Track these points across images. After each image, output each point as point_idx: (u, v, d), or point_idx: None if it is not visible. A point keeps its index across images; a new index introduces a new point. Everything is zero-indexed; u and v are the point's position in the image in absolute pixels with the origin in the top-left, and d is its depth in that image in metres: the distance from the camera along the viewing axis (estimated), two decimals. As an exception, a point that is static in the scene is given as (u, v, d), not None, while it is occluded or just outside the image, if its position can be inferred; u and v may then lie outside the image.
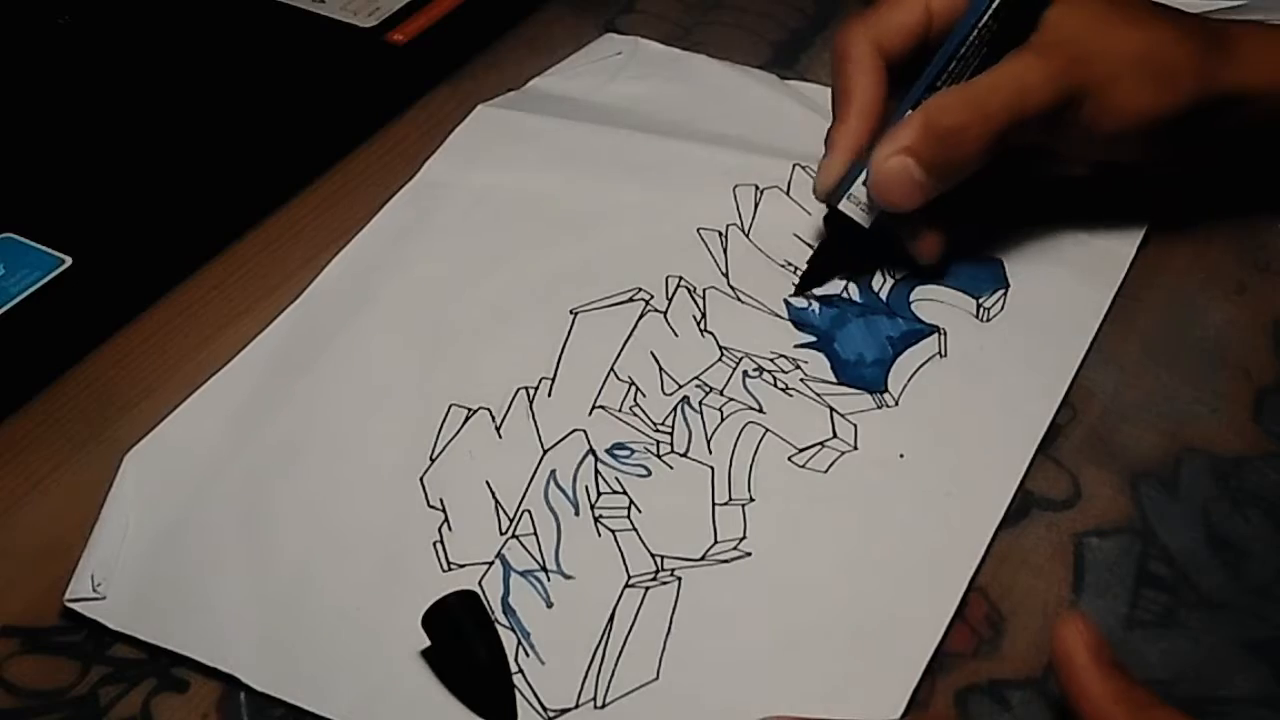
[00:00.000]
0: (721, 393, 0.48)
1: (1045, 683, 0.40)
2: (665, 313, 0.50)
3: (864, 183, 0.48)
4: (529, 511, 0.44)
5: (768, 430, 0.46)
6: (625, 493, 0.45)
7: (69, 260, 0.53)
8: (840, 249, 0.50)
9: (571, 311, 0.50)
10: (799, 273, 0.51)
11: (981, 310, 0.50)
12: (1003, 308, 0.50)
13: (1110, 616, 0.41)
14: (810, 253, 0.52)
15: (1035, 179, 0.53)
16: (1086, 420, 0.47)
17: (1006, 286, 0.50)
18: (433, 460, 0.46)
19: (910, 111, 0.48)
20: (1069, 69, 0.46)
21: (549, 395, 0.48)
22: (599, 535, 0.44)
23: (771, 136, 0.57)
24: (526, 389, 0.48)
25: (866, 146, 0.48)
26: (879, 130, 0.48)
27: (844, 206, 0.49)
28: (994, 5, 0.48)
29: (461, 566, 0.43)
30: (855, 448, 0.46)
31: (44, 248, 0.53)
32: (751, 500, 0.44)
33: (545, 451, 0.46)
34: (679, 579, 0.42)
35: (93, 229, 0.54)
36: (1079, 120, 0.47)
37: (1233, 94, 0.48)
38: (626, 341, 0.49)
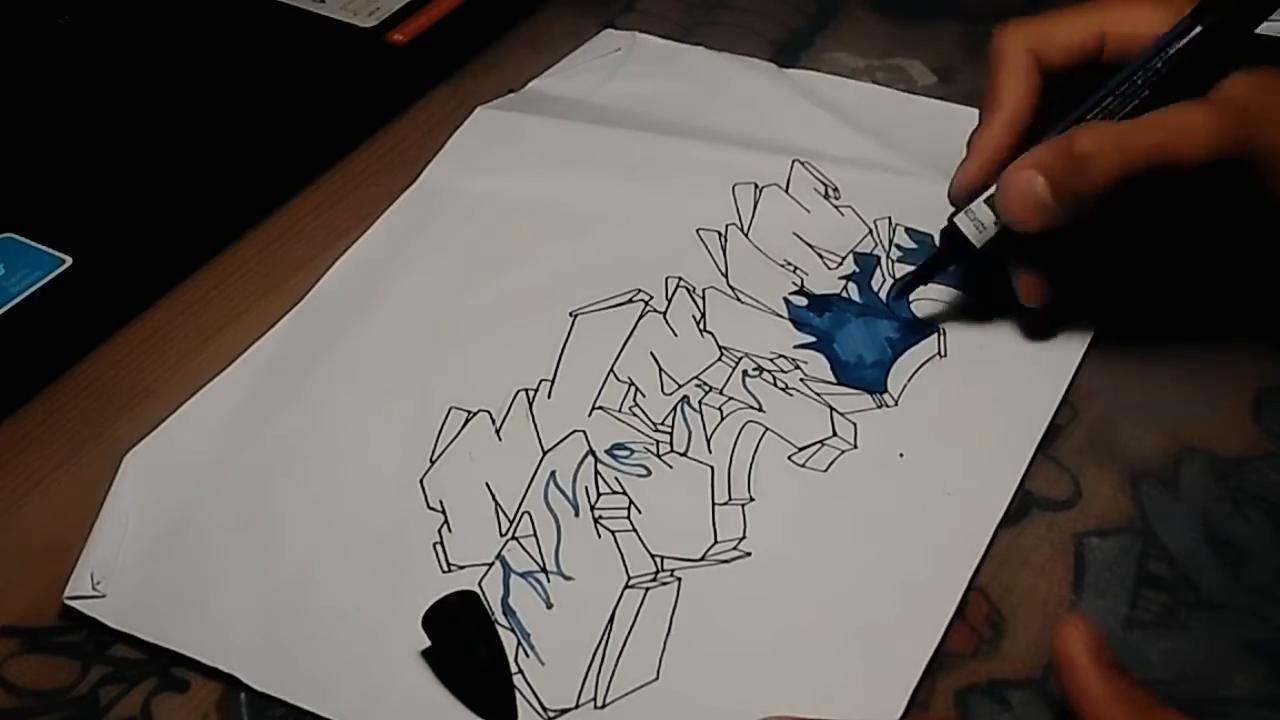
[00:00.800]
0: (721, 392, 0.48)
1: (1045, 683, 0.40)
2: (665, 313, 0.50)
3: (986, 200, 0.46)
4: (529, 513, 0.44)
5: (767, 429, 0.46)
6: (625, 493, 0.45)
7: (69, 260, 0.53)
8: (948, 262, 0.49)
9: (571, 313, 0.50)
10: (798, 271, 0.51)
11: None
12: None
13: (1110, 616, 0.41)
14: (809, 251, 0.51)
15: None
16: (1086, 420, 0.47)
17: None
18: (433, 462, 0.46)
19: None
20: (1236, 129, 0.43)
21: (549, 397, 0.48)
22: (599, 536, 0.44)
23: (771, 131, 0.57)
24: (526, 391, 0.48)
25: (1006, 158, 0.46)
26: (1023, 144, 0.46)
27: (959, 221, 0.47)
28: (1171, 49, 0.44)
29: (461, 568, 0.43)
30: (855, 447, 0.46)
31: (44, 248, 0.53)
32: (751, 500, 0.44)
33: (545, 453, 0.46)
34: (679, 579, 0.42)
35: (93, 229, 0.54)
36: (1241, 188, 0.44)
37: None
38: (626, 342, 0.49)
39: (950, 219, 0.47)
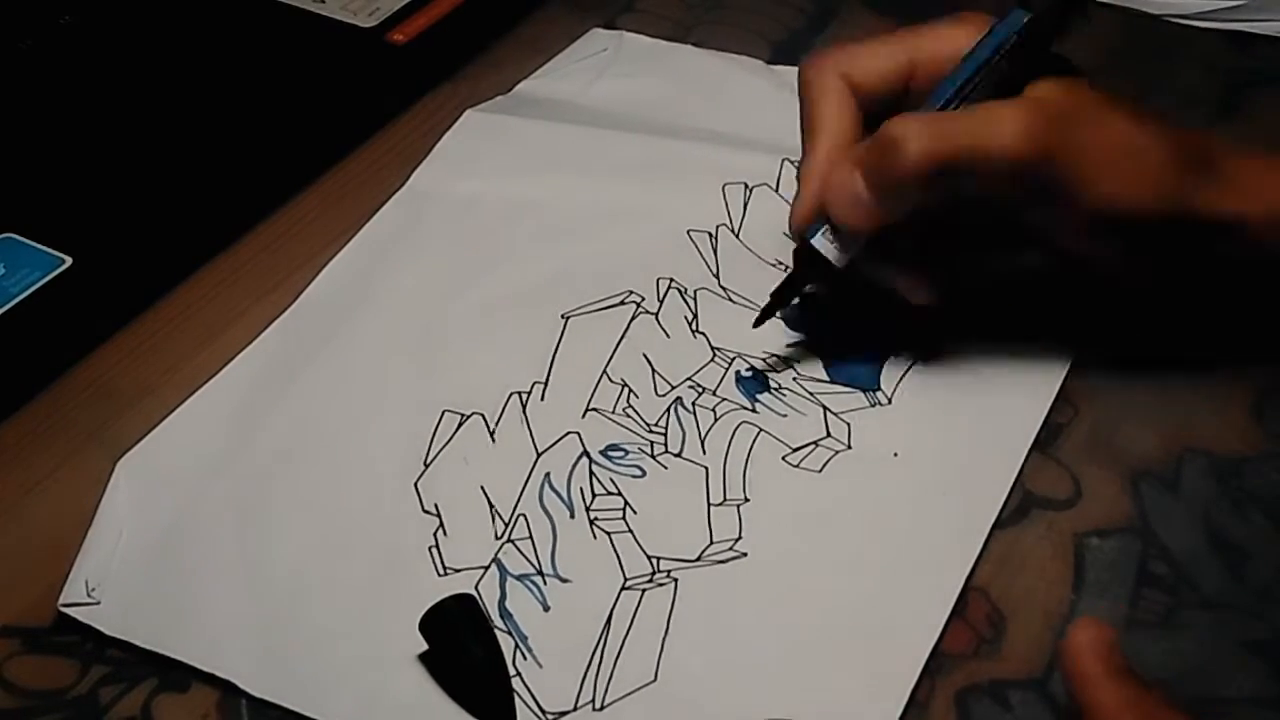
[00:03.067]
0: (714, 393, 0.48)
1: (1045, 683, 0.40)
2: (657, 314, 0.50)
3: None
4: (524, 515, 0.44)
5: (761, 430, 0.46)
6: (620, 494, 0.45)
7: (69, 260, 0.53)
8: (807, 283, 0.47)
9: (563, 315, 0.50)
10: (789, 270, 0.51)
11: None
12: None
13: (1110, 616, 0.41)
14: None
15: (999, 270, 0.49)
16: (1087, 420, 0.47)
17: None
18: (427, 465, 0.46)
19: None
20: (1047, 129, 0.43)
21: (541, 399, 0.48)
22: (594, 538, 0.43)
23: (759, 129, 0.57)
24: (519, 393, 0.48)
25: None
26: None
27: (817, 242, 0.46)
28: (981, 66, 0.44)
29: (458, 571, 0.43)
30: (849, 447, 0.46)
31: (44, 248, 0.53)
32: (746, 500, 0.44)
33: (539, 455, 0.46)
34: (675, 580, 0.42)
35: (93, 229, 0.54)
36: (1048, 192, 0.43)
37: (1217, 219, 0.44)
38: (619, 344, 0.49)
39: (805, 242, 0.46)
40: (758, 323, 0.48)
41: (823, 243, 0.46)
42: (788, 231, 0.47)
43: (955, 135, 0.43)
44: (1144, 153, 0.43)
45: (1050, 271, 0.47)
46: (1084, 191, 0.43)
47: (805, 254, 0.46)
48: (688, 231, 0.53)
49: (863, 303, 0.48)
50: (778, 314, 0.48)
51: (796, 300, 0.48)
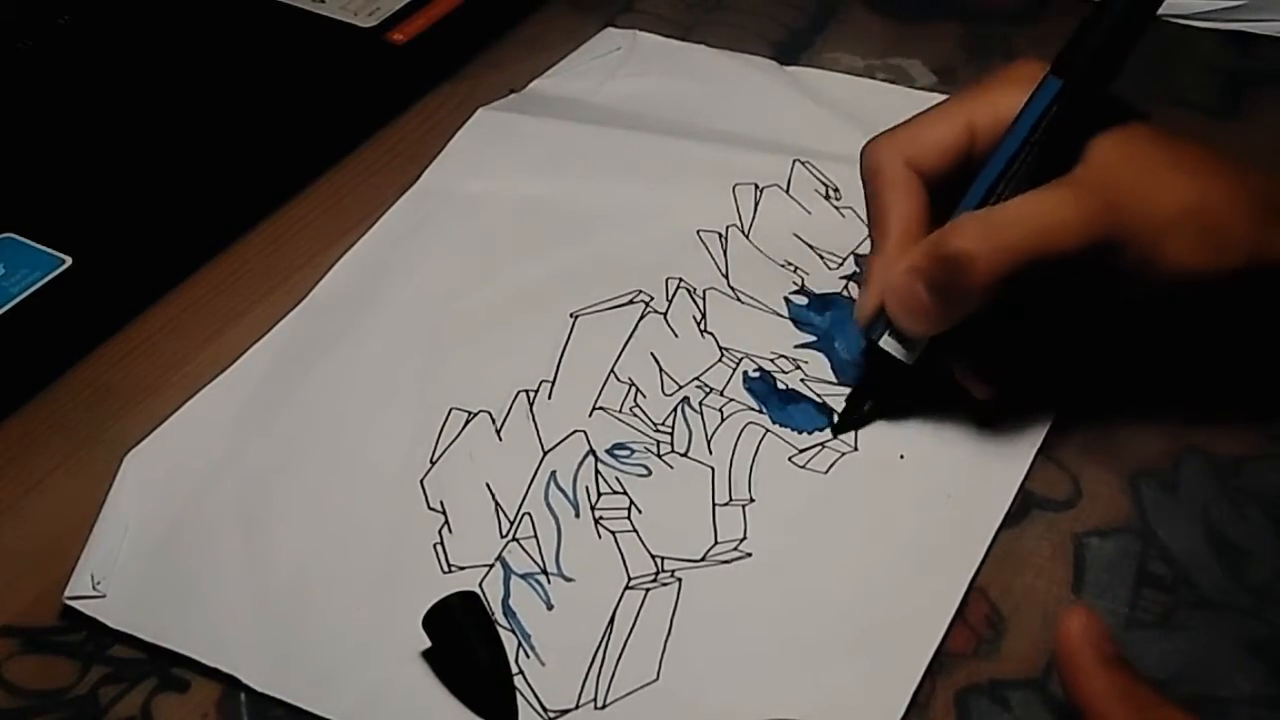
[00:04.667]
0: (722, 393, 0.48)
1: (1045, 683, 0.40)
2: (665, 314, 0.50)
3: None
4: (529, 514, 0.44)
5: (768, 430, 0.46)
6: (625, 493, 0.45)
7: (69, 260, 0.53)
8: (880, 382, 0.46)
9: (571, 314, 0.50)
10: (798, 271, 0.51)
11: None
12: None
13: (1110, 616, 0.41)
14: (809, 251, 0.51)
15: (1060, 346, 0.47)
16: (1087, 420, 0.47)
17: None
18: (433, 463, 0.46)
19: None
20: (1105, 214, 0.41)
21: (549, 397, 0.48)
22: (599, 537, 0.44)
23: (771, 130, 0.57)
24: (526, 392, 0.48)
25: None
26: None
27: (884, 344, 0.45)
28: (1044, 114, 0.43)
29: (462, 568, 0.43)
30: (855, 449, 0.46)
31: (44, 248, 0.53)
32: (752, 501, 0.44)
33: (545, 453, 0.46)
34: (679, 580, 0.42)
35: (93, 229, 0.54)
36: (1119, 270, 0.42)
37: None
38: (627, 343, 0.49)
39: (873, 341, 0.45)
40: (838, 431, 0.46)
41: (891, 343, 0.45)
42: (857, 318, 0.46)
43: (1016, 241, 0.41)
44: (1215, 217, 0.42)
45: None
46: (1149, 264, 0.42)
47: (874, 352, 0.45)
48: (697, 231, 0.53)
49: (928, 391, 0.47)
50: (786, 316, 0.49)
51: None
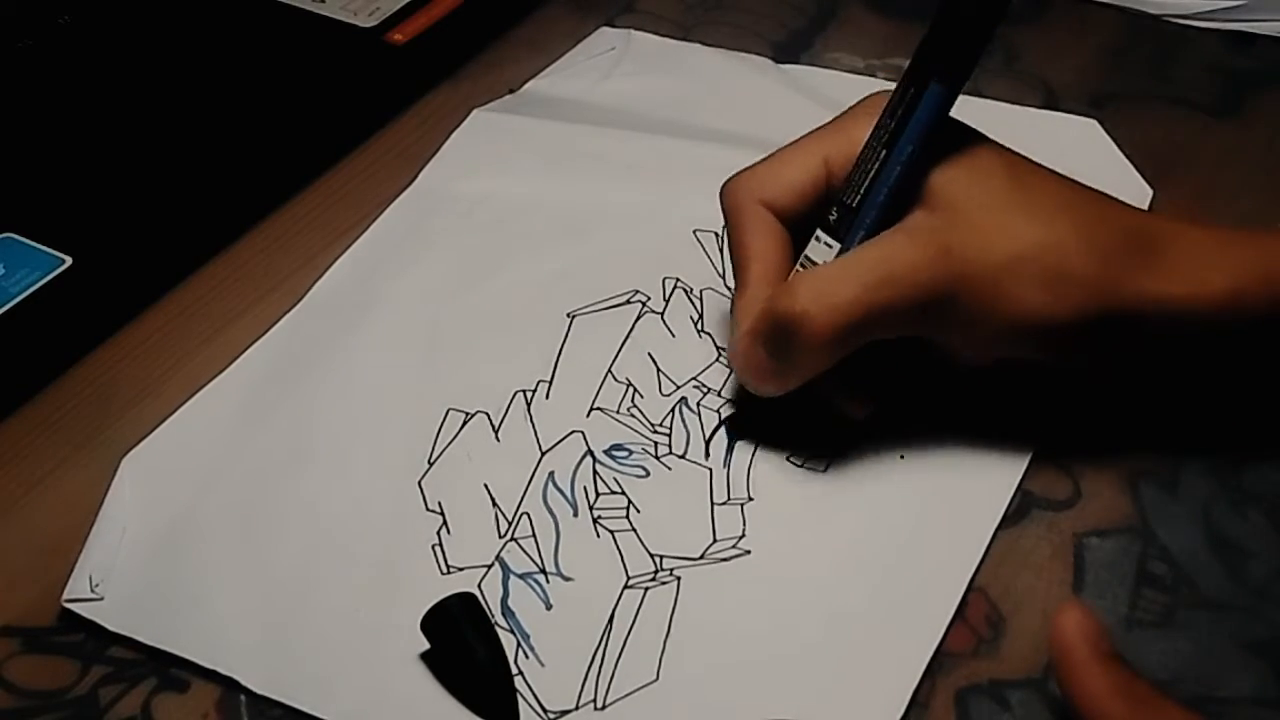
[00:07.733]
0: (719, 393, 0.48)
1: (1045, 683, 0.40)
2: (662, 314, 0.50)
3: None
4: (527, 514, 0.44)
5: (766, 430, 0.46)
6: (624, 493, 0.45)
7: (69, 260, 0.53)
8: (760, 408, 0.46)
9: (568, 314, 0.50)
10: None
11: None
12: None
13: (1110, 616, 0.41)
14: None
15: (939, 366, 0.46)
16: (1086, 420, 0.47)
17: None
18: (431, 464, 0.46)
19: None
20: (942, 259, 0.41)
21: (546, 398, 0.48)
22: (598, 536, 0.44)
23: (767, 129, 0.56)
24: (524, 392, 0.48)
25: None
26: None
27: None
28: (877, 168, 0.42)
29: (460, 569, 0.43)
30: (855, 448, 0.46)
31: (44, 248, 0.53)
32: (750, 499, 0.44)
33: (543, 454, 0.46)
34: (678, 579, 0.42)
35: (93, 229, 0.54)
36: (960, 314, 0.42)
37: (1145, 305, 0.42)
38: (624, 343, 0.49)
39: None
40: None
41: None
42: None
43: (850, 298, 0.41)
44: (1054, 263, 0.41)
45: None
46: (988, 308, 0.42)
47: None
48: (694, 231, 0.53)
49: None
50: None
51: None
